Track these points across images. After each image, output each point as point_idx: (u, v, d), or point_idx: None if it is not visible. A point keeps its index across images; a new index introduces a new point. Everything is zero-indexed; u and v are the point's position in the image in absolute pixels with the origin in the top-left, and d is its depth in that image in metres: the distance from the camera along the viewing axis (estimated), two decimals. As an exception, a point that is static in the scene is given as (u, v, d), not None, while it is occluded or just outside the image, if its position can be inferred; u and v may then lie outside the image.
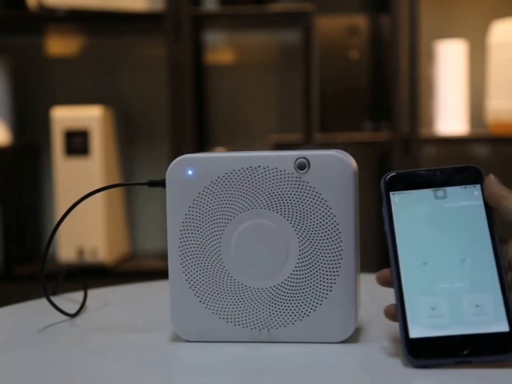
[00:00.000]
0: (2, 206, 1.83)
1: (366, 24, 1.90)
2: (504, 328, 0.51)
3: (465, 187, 0.55)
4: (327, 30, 1.89)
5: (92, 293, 0.79)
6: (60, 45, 2.04)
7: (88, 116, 1.76)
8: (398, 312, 0.52)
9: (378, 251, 1.94)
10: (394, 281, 0.53)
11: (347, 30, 1.90)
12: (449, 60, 1.82)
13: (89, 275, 1.67)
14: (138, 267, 1.86)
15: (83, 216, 1.75)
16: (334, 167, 0.57)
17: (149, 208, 2.02)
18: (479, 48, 1.94)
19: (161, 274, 0.89)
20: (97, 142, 1.76)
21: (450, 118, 1.83)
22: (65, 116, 1.76)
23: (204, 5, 1.98)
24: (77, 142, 1.76)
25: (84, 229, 1.76)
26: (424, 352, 0.50)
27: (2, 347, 0.60)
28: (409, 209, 0.55)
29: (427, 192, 0.56)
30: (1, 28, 1.97)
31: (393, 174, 0.57)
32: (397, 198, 0.56)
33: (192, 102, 1.78)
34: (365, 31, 1.90)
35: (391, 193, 0.56)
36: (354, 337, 0.58)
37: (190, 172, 0.58)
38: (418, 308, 0.52)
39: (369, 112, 1.91)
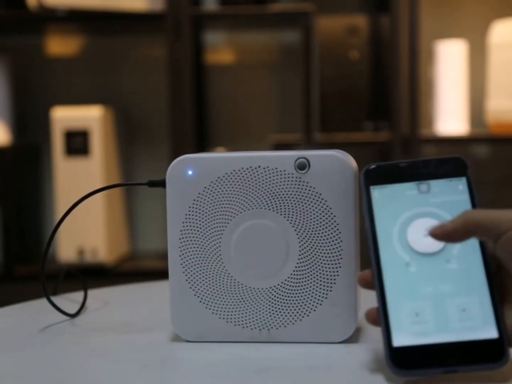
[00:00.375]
0: (2, 206, 1.83)
1: (366, 24, 1.90)
2: (493, 334, 0.47)
3: (450, 180, 0.51)
4: (327, 30, 1.89)
5: (92, 293, 0.79)
6: (60, 45, 2.04)
7: (88, 116, 1.76)
8: (380, 318, 0.49)
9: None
10: (376, 284, 0.50)
11: (347, 30, 1.90)
12: (449, 60, 1.82)
13: (89, 275, 1.67)
14: (138, 267, 1.86)
15: (83, 216, 1.75)
16: (334, 167, 0.56)
17: (149, 208, 2.02)
18: (479, 48, 1.94)
19: (161, 274, 0.89)
20: (97, 142, 1.76)
21: (450, 118, 1.83)
22: (65, 116, 1.76)
23: (204, 5, 1.98)
24: (77, 142, 1.76)
25: (84, 229, 1.76)
26: (408, 361, 0.47)
27: (2, 347, 0.60)
28: (391, 205, 0.51)
29: (410, 186, 0.51)
30: (1, 28, 1.97)
31: (373, 166, 0.53)
32: (377, 193, 0.52)
33: (192, 102, 1.78)
34: (365, 31, 1.90)
35: (371, 187, 0.52)
36: (354, 337, 0.58)
37: (190, 172, 0.58)
38: (401, 313, 0.49)
39: (369, 112, 1.91)
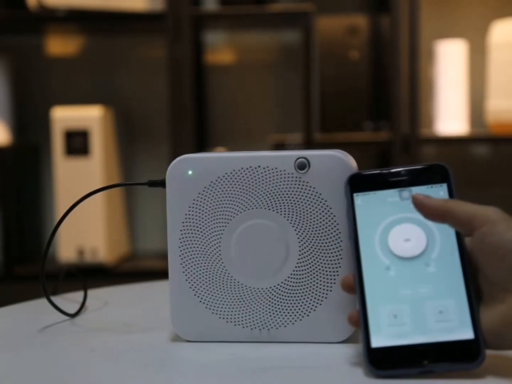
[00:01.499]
0: (2, 206, 1.83)
1: (366, 24, 1.90)
2: (469, 335, 0.48)
3: (431, 187, 0.53)
4: (327, 30, 1.89)
5: (92, 293, 0.79)
6: (60, 45, 2.04)
7: (88, 116, 1.76)
8: (360, 320, 0.50)
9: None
10: (357, 288, 0.51)
11: (347, 30, 1.90)
12: (449, 60, 1.82)
13: (89, 275, 1.67)
14: (138, 267, 1.86)
15: (83, 216, 1.75)
16: (334, 167, 0.57)
17: (149, 208, 2.02)
18: (479, 48, 1.94)
19: (161, 274, 0.89)
20: (97, 142, 1.76)
21: (450, 118, 1.83)
22: (65, 116, 1.76)
23: (204, 5, 1.98)
24: (77, 142, 1.76)
25: (84, 229, 1.76)
26: (385, 362, 0.48)
27: (2, 347, 0.60)
28: (373, 211, 0.53)
29: (392, 193, 0.53)
30: (1, 28, 1.97)
31: (357, 174, 0.54)
32: (360, 200, 0.53)
33: (192, 102, 1.78)
34: (365, 31, 1.90)
35: (354, 194, 0.53)
36: (353, 337, 0.58)
37: (190, 172, 0.58)
38: (380, 316, 0.50)
39: (369, 112, 1.91)
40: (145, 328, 0.64)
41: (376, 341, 0.49)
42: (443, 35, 1.94)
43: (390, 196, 0.53)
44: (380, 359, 0.49)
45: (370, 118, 1.90)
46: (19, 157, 1.94)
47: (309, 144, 1.75)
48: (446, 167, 0.53)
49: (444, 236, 0.52)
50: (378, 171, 0.54)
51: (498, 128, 1.81)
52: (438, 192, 0.53)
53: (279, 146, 1.79)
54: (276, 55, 2.02)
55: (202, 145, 1.94)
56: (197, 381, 0.50)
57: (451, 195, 0.53)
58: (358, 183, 0.54)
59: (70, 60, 2.03)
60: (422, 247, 0.52)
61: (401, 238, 0.52)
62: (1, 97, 1.90)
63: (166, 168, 0.59)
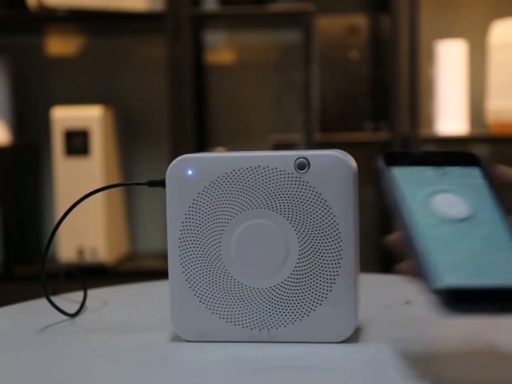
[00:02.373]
0: (2, 206, 1.83)
1: (366, 24, 1.90)
2: None
3: (465, 168, 0.54)
4: (327, 30, 1.89)
5: (92, 293, 0.79)
6: (60, 45, 2.05)
7: (88, 116, 1.76)
8: (419, 265, 0.48)
9: (378, 251, 1.94)
10: (409, 239, 0.49)
11: (347, 30, 1.90)
12: (449, 60, 1.82)
13: (89, 275, 1.67)
14: (138, 267, 1.86)
15: (83, 216, 1.75)
16: (334, 167, 0.56)
17: (149, 208, 2.02)
18: (479, 48, 1.94)
19: (161, 274, 0.88)
20: (97, 142, 1.76)
21: (450, 118, 1.83)
22: (65, 116, 1.76)
23: (204, 5, 1.98)
24: (77, 142, 1.76)
25: (84, 229, 1.76)
26: (459, 302, 0.46)
27: (2, 347, 0.60)
28: (411, 181, 0.53)
29: (428, 169, 0.53)
30: (1, 28, 1.97)
31: (392, 151, 0.54)
32: (397, 171, 0.53)
33: (192, 102, 1.78)
34: (365, 31, 1.90)
35: (391, 167, 0.53)
36: (354, 337, 0.58)
37: (190, 172, 0.58)
38: (445, 261, 0.48)
39: (369, 112, 1.91)
40: (145, 328, 0.64)
41: (449, 278, 0.47)
42: (443, 35, 1.94)
43: (426, 171, 0.53)
44: (453, 299, 0.46)
45: (370, 118, 1.90)
46: (19, 157, 1.94)
47: (309, 144, 1.75)
48: (476, 155, 0.54)
49: (485, 206, 0.52)
50: (412, 151, 0.54)
51: (498, 128, 1.81)
52: (471, 173, 0.54)
53: (284, 146, 1.79)
54: (276, 55, 2.02)
55: (202, 145, 1.94)
56: (197, 381, 0.50)
57: (484, 175, 0.54)
58: (393, 158, 0.54)
59: (70, 60, 2.03)
60: (467, 212, 0.52)
61: (444, 204, 0.52)
62: (1, 97, 1.90)
63: (166, 168, 0.59)
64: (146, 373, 0.52)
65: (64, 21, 1.85)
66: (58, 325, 0.66)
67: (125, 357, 0.56)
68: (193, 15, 1.77)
